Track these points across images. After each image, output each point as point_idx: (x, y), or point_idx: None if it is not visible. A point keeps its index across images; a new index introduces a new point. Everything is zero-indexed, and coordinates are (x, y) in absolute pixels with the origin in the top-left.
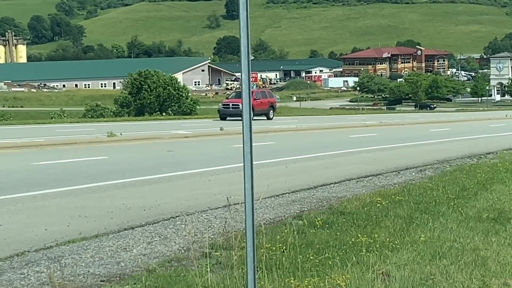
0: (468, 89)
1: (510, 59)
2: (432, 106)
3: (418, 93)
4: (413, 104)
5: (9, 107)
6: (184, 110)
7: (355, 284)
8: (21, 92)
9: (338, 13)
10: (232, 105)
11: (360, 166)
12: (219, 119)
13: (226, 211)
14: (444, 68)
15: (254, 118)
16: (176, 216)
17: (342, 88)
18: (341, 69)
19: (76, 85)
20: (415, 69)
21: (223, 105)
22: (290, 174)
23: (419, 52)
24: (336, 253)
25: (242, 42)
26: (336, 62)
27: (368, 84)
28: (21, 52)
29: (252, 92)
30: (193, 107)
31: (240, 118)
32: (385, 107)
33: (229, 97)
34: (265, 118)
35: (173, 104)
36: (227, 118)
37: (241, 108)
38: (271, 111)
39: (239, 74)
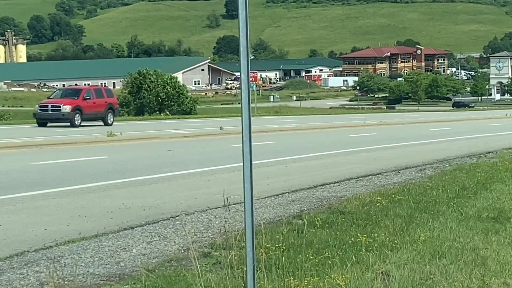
0: (468, 88)
1: (510, 58)
2: (470, 105)
3: (418, 92)
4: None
5: (8, 106)
6: (184, 109)
7: (355, 284)
8: (21, 92)
9: (337, 12)
10: (52, 106)
11: (359, 165)
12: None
13: (226, 211)
14: (444, 67)
15: (82, 124)
16: (176, 216)
17: (342, 88)
18: (341, 69)
19: (76, 85)
20: (415, 68)
21: (40, 107)
22: (289, 173)
23: (418, 52)
24: (335, 253)
25: (241, 42)
26: (336, 62)
27: (368, 84)
28: (21, 52)
29: (81, 90)
30: (193, 106)
31: (63, 124)
32: (385, 107)
33: (51, 97)
34: (102, 123)
35: (172, 103)
36: (48, 124)
37: (63, 110)
38: (110, 114)
39: (239, 73)
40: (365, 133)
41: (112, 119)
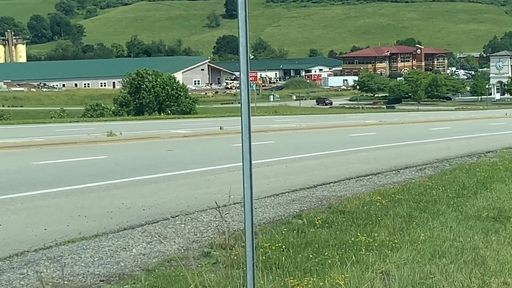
0: (468, 88)
1: (510, 58)
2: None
3: (418, 91)
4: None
5: (8, 106)
6: (183, 109)
7: (355, 283)
8: (20, 92)
9: (337, 12)
10: None
11: (359, 165)
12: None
13: (226, 211)
14: (443, 67)
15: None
16: (176, 216)
17: (342, 87)
18: (340, 68)
19: (75, 85)
20: (415, 67)
21: None
22: (290, 173)
23: (418, 51)
24: (335, 252)
25: (240, 42)
26: (335, 61)
27: (368, 83)
28: (21, 52)
29: None
30: (192, 106)
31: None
32: (384, 106)
33: None
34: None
35: (172, 103)
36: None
37: None
38: None
39: (239, 73)
40: (365, 132)
41: None
